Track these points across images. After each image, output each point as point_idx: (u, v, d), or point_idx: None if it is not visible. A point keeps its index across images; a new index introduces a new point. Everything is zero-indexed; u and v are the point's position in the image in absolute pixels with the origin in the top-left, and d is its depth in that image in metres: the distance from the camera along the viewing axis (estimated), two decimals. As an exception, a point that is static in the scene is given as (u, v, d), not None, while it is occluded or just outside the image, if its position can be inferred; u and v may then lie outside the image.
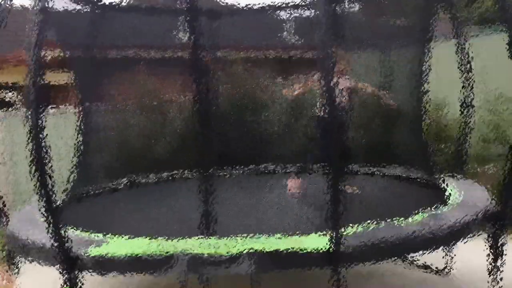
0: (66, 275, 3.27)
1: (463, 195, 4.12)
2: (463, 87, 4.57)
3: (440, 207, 3.85)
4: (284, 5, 5.64)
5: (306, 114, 7.12)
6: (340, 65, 4.85)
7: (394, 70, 5.34)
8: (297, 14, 6.06)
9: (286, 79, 7.71)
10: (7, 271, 3.52)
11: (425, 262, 4.57)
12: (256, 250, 3.07)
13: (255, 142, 6.62)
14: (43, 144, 3.11)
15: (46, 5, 3.28)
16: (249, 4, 5.67)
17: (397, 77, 5.30)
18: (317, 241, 3.13)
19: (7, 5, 3.91)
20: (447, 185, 4.40)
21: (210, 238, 3.36)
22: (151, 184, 5.60)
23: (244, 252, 3.07)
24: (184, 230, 3.51)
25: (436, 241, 3.43)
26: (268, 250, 3.08)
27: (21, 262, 4.02)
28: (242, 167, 6.04)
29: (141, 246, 3.23)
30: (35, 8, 3.29)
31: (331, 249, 3.08)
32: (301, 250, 3.07)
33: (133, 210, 4.33)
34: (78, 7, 4.86)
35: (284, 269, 3.20)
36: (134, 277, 3.42)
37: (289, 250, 3.07)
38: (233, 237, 3.28)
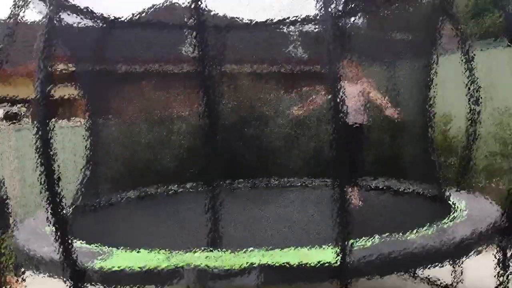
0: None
1: (471, 209, 4.10)
2: (469, 100, 4.58)
3: (448, 221, 3.84)
4: (289, 20, 5.68)
5: (311, 127, 7.14)
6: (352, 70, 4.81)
7: (400, 84, 5.35)
8: (303, 29, 6.11)
9: (291, 92, 7.76)
10: (16, 281, 3.53)
11: (432, 277, 4.54)
12: (263, 263, 3.06)
13: (260, 155, 6.64)
14: (51, 156, 3.13)
15: (55, 20, 3.31)
16: (255, 19, 5.72)
17: (403, 91, 5.31)
18: (325, 255, 3.12)
19: (17, 19, 3.96)
20: (454, 198, 4.39)
21: (216, 250, 3.36)
22: (158, 196, 5.61)
23: (251, 265, 3.06)
24: (191, 242, 3.51)
25: (443, 255, 3.41)
26: (275, 263, 3.07)
27: (28, 273, 4.02)
28: (248, 179, 6.05)
29: (148, 259, 3.23)
30: (44, 22, 3.34)
31: (338, 262, 3.07)
32: (308, 263, 3.06)
33: (140, 222, 4.33)
34: (87, 22, 4.92)
35: (291, 282, 3.18)
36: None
37: (297, 263, 3.06)
38: (240, 250, 3.27)
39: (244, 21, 5.78)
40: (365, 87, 4.93)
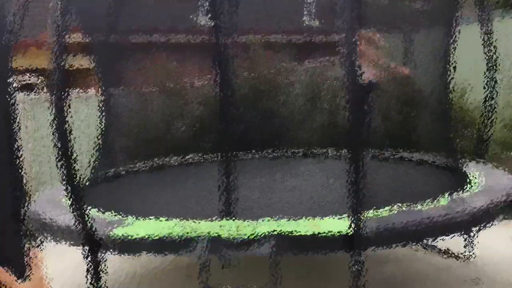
0: (89, 256, 3.34)
1: (486, 180, 4.06)
2: (487, 70, 4.49)
3: (463, 192, 3.81)
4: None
5: (326, 98, 7.09)
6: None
7: (418, 54, 5.26)
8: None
9: (306, 62, 7.68)
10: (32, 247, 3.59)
11: (445, 247, 4.54)
12: (276, 233, 3.09)
13: (273, 125, 6.63)
14: (66, 127, 3.15)
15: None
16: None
17: (421, 61, 5.22)
18: (338, 225, 3.13)
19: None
20: (469, 169, 4.35)
21: (230, 220, 3.39)
22: (172, 166, 5.65)
23: (265, 234, 3.09)
24: (205, 212, 3.55)
25: (457, 226, 3.41)
26: (288, 233, 3.10)
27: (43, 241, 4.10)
28: (262, 150, 6.05)
29: (163, 227, 3.28)
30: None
31: (351, 232, 3.08)
32: (321, 233, 3.08)
33: (155, 192, 4.38)
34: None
35: (304, 252, 3.21)
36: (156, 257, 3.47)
37: (310, 233, 3.08)
38: (253, 220, 3.30)
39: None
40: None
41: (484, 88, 4.55)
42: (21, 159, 1.71)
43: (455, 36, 4.57)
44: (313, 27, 8.27)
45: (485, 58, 4.48)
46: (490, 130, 4.61)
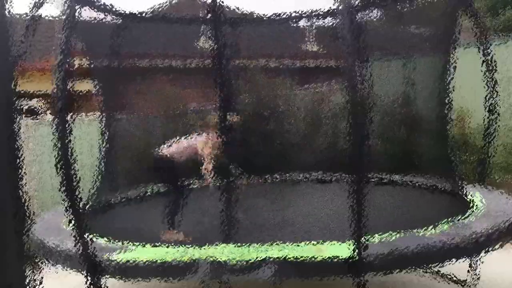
0: (90, 280, 3.31)
1: (488, 205, 4.06)
2: (487, 94, 4.52)
3: (464, 217, 3.80)
4: (304, 14, 5.65)
5: (325, 123, 7.13)
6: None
7: (417, 78, 5.31)
8: (318, 23, 6.07)
9: (306, 87, 7.74)
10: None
11: (448, 273, 4.50)
12: (278, 258, 3.07)
13: (275, 149, 6.64)
14: (69, 150, 3.16)
15: (74, 15, 3.34)
16: (270, 14, 5.71)
17: (420, 85, 5.26)
18: (340, 249, 3.12)
19: (36, 15, 3.99)
20: (471, 194, 4.34)
21: (232, 244, 3.37)
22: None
23: (266, 259, 3.07)
24: (207, 236, 3.53)
25: (460, 251, 3.38)
26: (290, 258, 3.08)
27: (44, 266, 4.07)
28: (263, 174, 6.05)
29: (164, 252, 3.26)
30: (63, 18, 3.37)
31: (354, 257, 3.06)
32: (323, 258, 3.06)
33: (156, 217, 4.37)
34: (103, 16, 4.94)
35: (307, 276, 3.19)
36: (156, 282, 3.45)
37: (312, 258, 3.06)
38: (255, 244, 3.28)
39: (259, 15, 5.77)
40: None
41: (484, 112, 4.58)
42: (24, 182, 1.72)
43: (454, 61, 4.62)
44: (313, 52, 8.35)
45: (485, 82, 4.51)
46: (491, 154, 4.62)
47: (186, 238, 3.98)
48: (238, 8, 5.75)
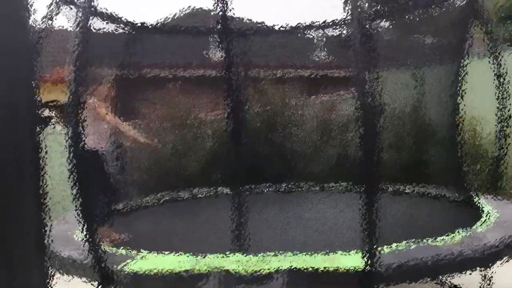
0: (101, 290, 3.32)
1: (500, 215, 4.02)
2: (498, 104, 4.50)
3: (477, 227, 3.77)
4: (314, 24, 5.66)
5: (335, 133, 7.12)
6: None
7: (428, 88, 5.30)
8: (327, 33, 6.09)
9: (316, 97, 7.74)
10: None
11: (460, 284, 4.45)
12: (289, 268, 3.06)
13: (285, 159, 6.64)
14: (82, 161, 3.19)
15: (88, 26, 3.38)
16: (280, 24, 5.73)
17: (431, 95, 5.25)
18: (351, 260, 3.10)
19: (48, 26, 4.05)
20: (483, 204, 4.31)
21: (242, 254, 3.37)
22: (184, 200, 5.65)
23: (278, 269, 3.06)
24: (217, 246, 3.53)
25: (472, 262, 3.36)
26: (301, 268, 3.07)
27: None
28: (273, 184, 6.05)
29: (175, 262, 3.26)
30: (75, 29, 3.41)
31: (365, 268, 3.05)
32: (335, 268, 3.05)
33: (167, 226, 4.38)
34: (114, 27, 4.99)
35: (318, 287, 3.17)
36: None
37: (323, 268, 3.05)
38: (266, 254, 3.28)
39: (269, 26, 5.79)
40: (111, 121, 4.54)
41: (496, 122, 4.55)
42: (45, 191, 1.74)
43: (464, 70, 4.61)
44: (323, 61, 8.37)
45: (497, 92, 4.50)
46: (503, 164, 4.58)
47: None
48: (250, 20, 5.79)
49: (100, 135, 4.45)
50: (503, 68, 4.46)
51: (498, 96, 4.50)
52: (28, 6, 1.39)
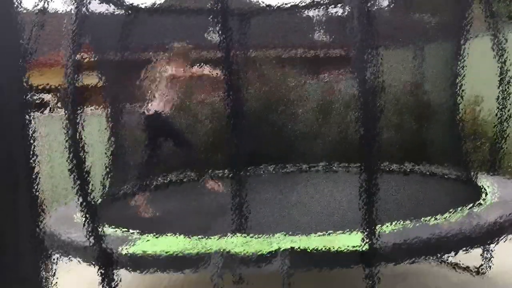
0: (103, 273, 3.34)
1: (500, 193, 4.03)
2: (499, 82, 4.47)
3: (477, 206, 3.78)
4: (313, 3, 5.60)
5: (335, 113, 7.09)
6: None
7: (428, 67, 5.26)
8: (327, 12, 6.02)
9: (316, 77, 7.69)
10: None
11: (462, 262, 4.48)
12: (289, 248, 3.07)
13: (285, 140, 6.63)
14: (80, 144, 3.18)
15: (83, 9, 3.34)
16: (279, 3, 5.67)
17: (431, 74, 5.21)
18: (352, 240, 3.11)
19: (43, 8, 3.99)
20: (484, 182, 4.31)
21: (243, 236, 3.38)
22: (184, 182, 5.66)
23: (278, 250, 3.07)
24: (218, 228, 3.54)
25: (472, 240, 3.37)
26: (301, 249, 3.08)
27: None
28: (273, 165, 6.05)
29: (175, 244, 3.27)
30: (70, 11, 3.37)
31: (365, 247, 3.06)
32: (335, 248, 3.06)
33: (167, 208, 4.39)
34: (110, 9, 4.94)
35: (318, 267, 3.19)
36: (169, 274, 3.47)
37: (324, 248, 3.06)
38: (266, 235, 3.29)
39: (267, 5, 5.73)
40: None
41: (497, 100, 4.53)
42: (37, 176, 1.72)
43: (465, 48, 4.57)
44: (323, 41, 8.29)
45: (497, 70, 4.46)
46: (503, 142, 4.57)
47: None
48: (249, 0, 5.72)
49: (167, 100, 4.82)
50: (503, 46, 4.42)
51: (499, 74, 4.47)
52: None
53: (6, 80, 1.40)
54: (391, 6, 5.31)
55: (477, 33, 4.83)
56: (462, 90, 4.64)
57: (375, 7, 4.55)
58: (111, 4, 4.86)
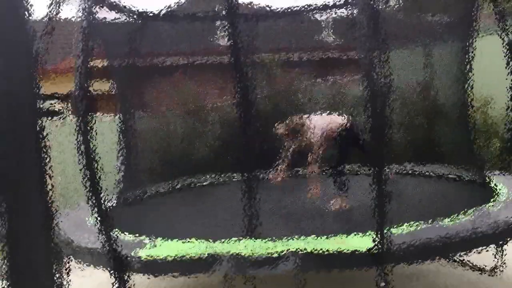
0: (116, 277, 3.36)
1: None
2: (510, 81, 4.43)
3: (488, 205, 3.75)
4: (321, 6, 5.60)
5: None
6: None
7: (437, 66, 5.23)
8: (335, 15, 6.02)
9: (324, 80, 7.69)
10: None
11: (474, 262, 4.45)
12: (300, 250, 3.08)
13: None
14: (92, 149, 3.21)
15: (92, 16, 3.38)
16: (286, 7, 5.68)
17: (441, 74, 5.19)
18: (363, 241, 3.11)
19: (54, 16, 4.04)
20: (494, 182, 4.28)
21: (254, 239, 3.39)
22: (194, 186, 5.69)
23: (288, 252, 3.08)
24: (228, 231, 3.55)
25: (485, 240, 3.35)
26: (313, 250, 3.08)
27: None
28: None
29: (187, 247, 3.29)
30: (80, 19, 3.41)
31: (376, 249, 3.05)
32: (346, 250, 3.06)
33: (179, 212, 4.41)
34: (119, 17, 4.98)
35: (329, 269, 3.19)
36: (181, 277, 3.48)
37: (335, 250, 3.06)
38: (277, 238, 3.29)
39: (275, 9, 5.74)
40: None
41: (507, 99, 4.49)
42: (50, 181, 1.75)
43: (474, 48, 4.55)
44: (331, 44, 8.30)
45: (508, 68, 4.43)
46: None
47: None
48: (257, 4, 5.74)
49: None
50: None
51: (509, 73, 4.43)
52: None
53: (19, 87, 1.43)
54: (400, 6, 5.30)
55: (488, 31, 4.79)
56: (473, 89, 4.60)
57: (383, 7, 4.56)
58: (120, 12, 4.89)
